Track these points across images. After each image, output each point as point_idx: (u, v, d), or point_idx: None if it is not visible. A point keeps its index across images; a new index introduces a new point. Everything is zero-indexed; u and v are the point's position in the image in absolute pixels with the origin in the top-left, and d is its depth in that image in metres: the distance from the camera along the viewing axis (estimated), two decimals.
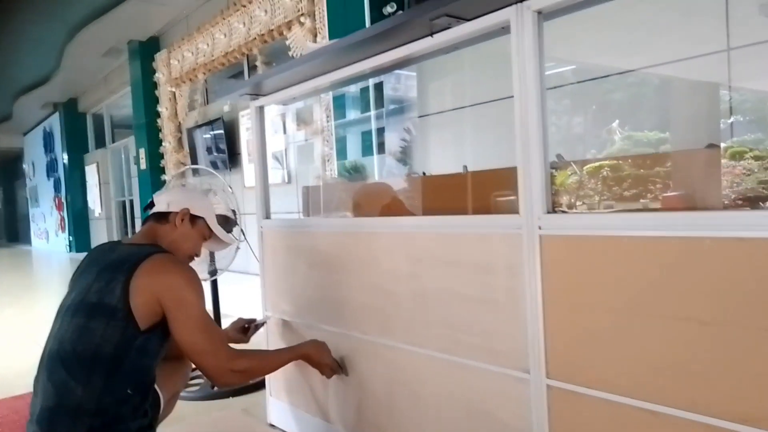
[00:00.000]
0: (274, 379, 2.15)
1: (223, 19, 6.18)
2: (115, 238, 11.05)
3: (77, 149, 12.22)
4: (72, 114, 12.18)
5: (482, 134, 4.12)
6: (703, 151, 1.29)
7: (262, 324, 2.04)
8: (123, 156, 10.61)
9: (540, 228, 1.20)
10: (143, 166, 8.23)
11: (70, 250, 12.43)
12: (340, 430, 1.82)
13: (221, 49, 6.30)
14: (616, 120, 3.35)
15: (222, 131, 6.51)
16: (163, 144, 7.88)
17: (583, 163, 1.43)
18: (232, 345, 2.01)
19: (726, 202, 1.39)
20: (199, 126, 6.97)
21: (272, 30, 5.41)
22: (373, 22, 4.31)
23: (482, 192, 1.44)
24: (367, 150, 5.35)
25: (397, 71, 4.11)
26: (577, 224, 1.16)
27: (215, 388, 2.48)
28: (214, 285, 2.77)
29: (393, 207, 1.71)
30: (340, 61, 1.64)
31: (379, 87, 4.81)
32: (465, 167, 1.41)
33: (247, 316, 2.05)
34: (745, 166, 1.57)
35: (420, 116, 4.63)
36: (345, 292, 1.74)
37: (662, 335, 1.02)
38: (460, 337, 1.39)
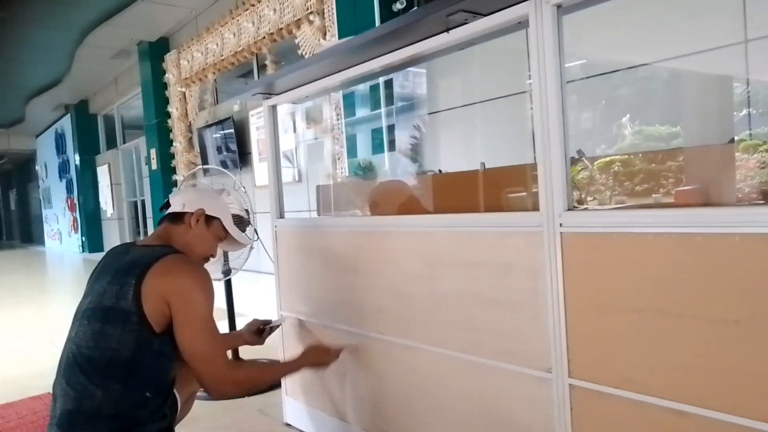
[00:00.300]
0: (290, 379, 2.15)
1: (232, 18, 6.18)
2: (128, 239, 11.14)
3: (89, 150, 12.32)
4: (83, 116, 12.28)
5: (493, 131, 4.09)
6: (727, 146, 1.26)
7: (278, 326, 2.03)
8: (134, 157, 10.68)
9: (561, 225, 1.18)
10: (154, 166, 8.27)
11: (83, 251, 12.54)
12: (357, 430, 1.81)
13: (230, 48, 6.31)
14: (627, 115, 3.31)
15: (232, 131, 6.53)
16: (174, 144, 7.91)
17: (602, 158, 1.41)
18: (246, 347, 2.02)
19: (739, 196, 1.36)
20: (209, 126, 7.00)
21: (281, 29, 5.41)
22: (382, 19, 4.29)
23: (501, 189, 1.42)
24: (377, 148, 5.34)
25: (405, 69, 4.09)
26: (599, 221, 1.14)
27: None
28: (228, 285, 2.77)
29: (409, 205, 1.70)
30: (355, 58, 1.63)
31: (389, 84, 4.80)
32: (482, 164, 1.40)
33: (260, 316, 2.04)
34: (759, 159, 1.54)
35: (430, 113, 4.60)
36: (361, 292, 1.73)
37: (691, 334, 1.00)
38: (480, 337, 1.37)
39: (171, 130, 7.96)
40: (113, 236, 11.74)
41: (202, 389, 1.61)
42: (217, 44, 6.57)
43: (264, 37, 5.70)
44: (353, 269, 1.76)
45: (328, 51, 1.64)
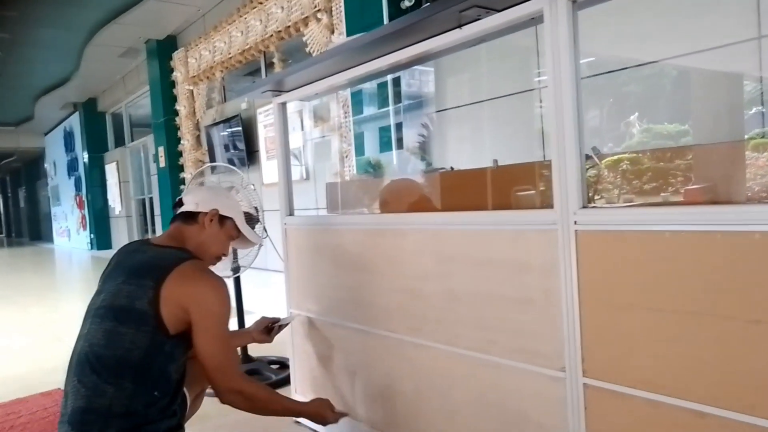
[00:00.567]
0: (299, 376, 2.15)
1: (240, 16, 6.19)
2: (136, 236, 11.19)
3: (97, 148, 12.38)
4: (91, 114, 12.34)
5: (501, 128, 4.07)
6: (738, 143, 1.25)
7: (286, 324, 2.03)
8: (142, 154, 10.72)
9: (576, 223, 1.17)
10: (162, 164, 8.30)
11: (92, 248, 12.61)
12: (367, 428, 1.80)
13: (238, 46, 6.31)
14: (635, 113, 3.28)
15: (240, 129, 6.53)
16: (182, 142, 7.94)
17: (612, 156, 1.39)
18: (255, 344, 2.02)
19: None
20: (217, 124, 7.01)
21: (289, 27, 5.41)
22: (391, 17, 4.28)
23: (514, 187, 1.41)
24: (384, 146, 5.33)
25: (414, 66, 4.08)
26: (614, 219, 1.12)
27: None
28: (237, 282, 2.77)
29: (421, 203, 1.69)
30: (366, 55, 1.62)
31: (396, 82, 4.78)
32: (495, 161, 1.38)
33: (267, 313, 2.04)
34: None
35: (438, 111, 4.59)
36: (372, 290, 1.73)
37: (710, 334, 0.99)
38: (492, 335, 1.36)
39: (179, 128, 7.98)
40: (121, 234, 11.80)
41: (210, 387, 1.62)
42: (224, 42, 6.58)
43: (271, 35, 5.69)
44: (364, 267, 1.75)
45: (338, 48, 1.63)
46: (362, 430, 1.79)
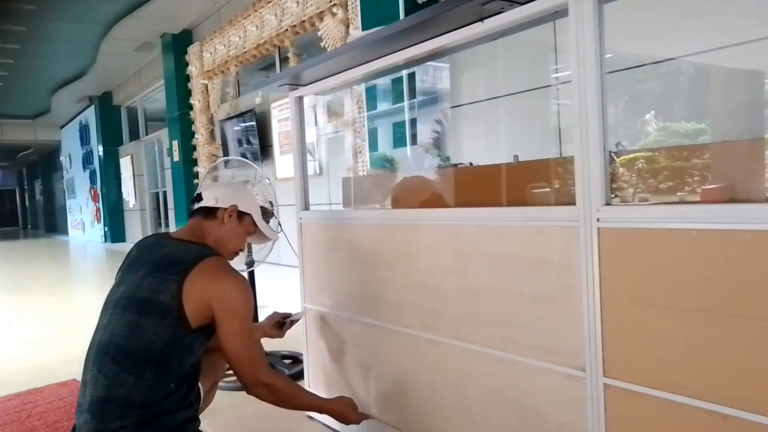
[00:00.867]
0: (312, 371, 2.15)
1: (255, 11, 6.19)
2: (149, 229, 11.28)
3: (112, 142, 12.50)
4: (107, 107, 12.45)
5: (516, 124, 4.04)
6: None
7: (298, 319, 2.03)
8: (156, 148, 10.80)
9: (598, 220, 1.15)
10: (176, 158, 8.35)
11: (106, 241, 12.74)
12: (380, 424, 1.80)
13: (253, 41, 6.32)
14: (651, 111, 3.24)
15: (254, 123, 6.55)
16: (196, 136, 7.97)
17: (631, 153, 1.36)
18: (267, 339, 2.03)
19: None
20: (231, 118, 7.03)
21: (304, 21, 5.40)
22: (406, 11, 4.26)
23: (535, 183, 1.39)
24: (398, 141, 5.31)
25: (429, 62, 4.05)
26: (638, 216, 1.10)
27: None
28: (251, 277, 2.77)
29: (439, 199, 1.67)
30: (385, 49, 1.60)
31: (411, 77, 4.76)
32: (516, 157, 1.36)
33: (280, 308, 2.04)
34: None
35: (453, 107, 4.56)
36: (387, 285, 1.72)
37: (736, 334, 0.97)
38: (510, 333, 1.35)
39: (193, 122, 8.02)
40: (135, 227, 11.91)
41: (223, 380, 1.62)
42: (239, 37, 6.59)
43: (287, 30, 5.69)
44: (379, 262, 1.74)
45: (357, 41, 1.62)
46: None
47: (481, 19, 1.33)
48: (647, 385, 1.10)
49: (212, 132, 7.76)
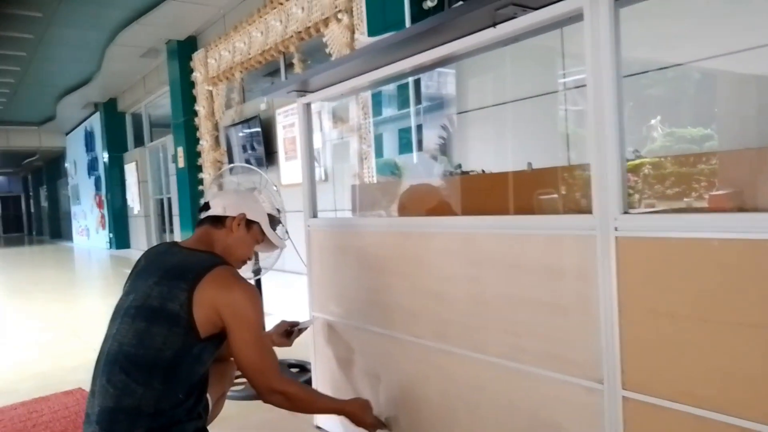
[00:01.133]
0: (320, 380, 2.12)
1: (260, 17, 6.20)
2: (154, 236, 11.28)
3: (117, 148, 12.54)
4: (112, 114, 12.50)
5: (524, 130, 4.02)
6: None
7: (306, 327, 2.01)
8: (161, 154, 10.82)
9: (616, 229, 1.12)
10: (181, 164, 8.36)
11: (110, 247, 12.76)
12: None
13: (258, 47, 6.33)
14: (658, 116, 3.21)
15: (259, 129, 6.55)
16: (201, 142, 7.98)
17: (666, 159, 1.34)
18: (275, 348, 2.01)
19: None
20: (236, 124, 7.03)
21: (309, 27, 5.40)
22: (412, 17, 4.25)
23: (549, 190, 1.37)
24: (404, 147, 5.29)
25: (443, 66, 4.04)
26: (658, 225, 1.08)
27: None
28: (258, 284, 2.75)
29: (450, 206, 1.65)
30: (394, 56, 1.59)
31: (417, 83, 4.75)
32: (529, 164, 1.34)
33: (286, 314, 2.02)
34: None
35: (459, 113, 4.54)
36: (397, 294, 1.69)
37: (761, 346, 0.94)
38: (524, 344, 1.32)
39: (198, 129, 8.03)
40: (140, 233, 11.92)
41: (231, 389, 1.60)
42: (244, 43, 6.60)
43: (292, 36, 5.70)
44: (389, 270, 1.72)
45: (367, 47, 1.60)
46: None
47: (494, 25, 1.31)
48: (668, 398, 1.07)
49: (217, 138, 7.77)
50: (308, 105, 2.06)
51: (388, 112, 5.33)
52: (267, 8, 6.06)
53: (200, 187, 8.04)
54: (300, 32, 5.54)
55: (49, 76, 10.35)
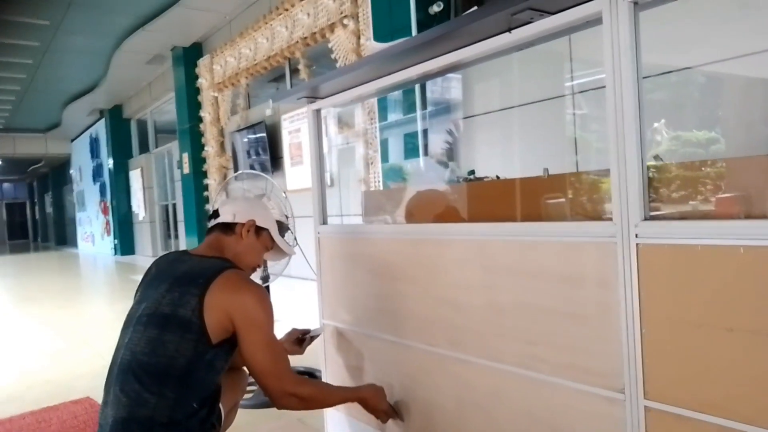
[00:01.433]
0: None
1: (266, 23, 6.21)
2: (159, 242, 11.29)
3: (122, 154, 12.58)
4: (117, 120, 12.54)
5: (531, 135, 4.00)
6: None
7: (318, 335, 1.99)
8: (166, 161, 10.84)
9: (637, 236, 1.10)
10: (186, 170, 8.37)
11: (116, 253, 12.77)
12: None
13: (263, 53, 6.34)
14: (662, 119, 3.19)
15: (264, 135, 6.55)
16: (206, 148, 7.99)
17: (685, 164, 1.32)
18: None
19: None
20: (241, 130, 7.04)
21: (315, 33, 5.41)
22: (419, 22, 4.24)
23: (566, 196, 1.35)
24: (410, 152, 5.28)
25: (455, 72, 4.02)
26: (681, 232, 1.05)
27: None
28: (267, 291, 2.74)
29: (464, 213, 1.63)
30: (407, 61, 1.57)
31: (422, 88, 4.74)
32: (546, 170, 1.33)
33: (293, 319, 2.00)
34: None
35: (465, 117, 4.53)
36: (410, 302, 1.67)
37: None
38: (542, 353, 1.30)
39: (203, 135, 8.05)
40: (145, 239, 11.94)
41: (243, 399, 1.59)
42: (250, 49, 6.62)
43: (297, 42, 5.70)
44: (401, 278, 1.70)
45: (379, 54, 1.59)
46: None
47: (509, 30, 1.30)
48: (693, 409, 1.05)
49: (222, 144, 7.78)
50: (318, 111, 2.05)
51: (394, 116, 5.32)
52: (273, 14, 6.07)
53: (205, 193, 8.05)
54: (306, 38, 5.55)
55: (55, 83, 10.40)
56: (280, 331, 2.00)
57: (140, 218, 12.07)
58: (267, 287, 2.71)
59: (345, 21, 4.94)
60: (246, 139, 6.93)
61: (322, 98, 1.99)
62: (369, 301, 1.86)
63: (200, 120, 8.04)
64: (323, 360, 2.12)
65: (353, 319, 1.95)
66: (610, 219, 1.15)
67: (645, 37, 1.12)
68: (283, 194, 2.45)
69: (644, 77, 1.12)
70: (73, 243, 17.97)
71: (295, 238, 2.46)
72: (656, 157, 1.19)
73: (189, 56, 8.15)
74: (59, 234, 21.51)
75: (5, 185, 27.55)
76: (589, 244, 1.19)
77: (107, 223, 13.41)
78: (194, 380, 1.34)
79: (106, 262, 11.72)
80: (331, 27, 5.14)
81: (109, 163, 12.82)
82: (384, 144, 5.12)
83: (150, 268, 1.54)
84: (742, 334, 0.97)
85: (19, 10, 6.64)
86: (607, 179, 1.17)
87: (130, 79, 10.11)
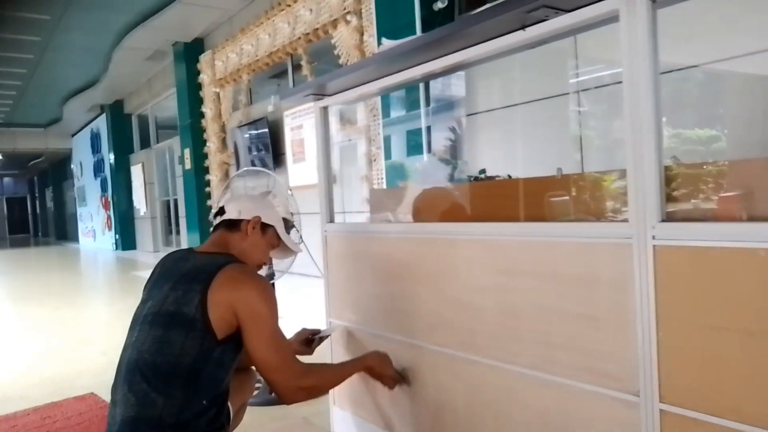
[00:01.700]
0: (338, 388, 2.08)
1: (268, 19, 6.18)
2: (160, 237, 11.28)
3: (123, 150, 12.55)
4: (118, 116, 12.51)
5: (535, 133, 3.98)
6: None
7: (327, 336, 1.98)
8: (167, 156, 10.82)
9: (654, 238, 1.09)
10: (188, 166, 8.35)
11: (117, 249, 12.77)
12: None
13: (265, 49, 6.31)
14: (663, 118, 3.17)
15: (266, 131, 6.53)
16: (207, 144, 7.97)
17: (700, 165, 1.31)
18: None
19: None
20: (243, 126, 7.02)
21: (317, 29, 5.38)
22: (423, 19, 4.22)
23: (581, 197, 1.34)
24: (412, 150, 5.26)
25: (465, 69, 3.99)
26: (698, 234, 1.04)
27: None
28: (271, 284, 2.73)
29: (475, 212, 1.62)
30: (416, 59, 1.56)
31: (426, 84, 4.71)
32: (559, 170, 1.31)
33: (298, 318, 1.99)
34: None
35: (468, 114, 4.51)
36: (419, 301, 1.66)
37: None
38: (556, 354, 1.29)
39: (204, 131, 8.02)
40: (146, 235, 11.93)
41: (251, 399, 1.58)
42: (251, 45, 6.59)
43: (299, 38, 5.68)
44: (411, 277, 1.69)
45: (388, 51, 1.57)
46: None
47: (523, 27, 1.28)
48: (709, 412, 1.03)
49: (224, 140, 7.76)
50: (326, 109, 2.03)
51: (396, 113, 5.30)
52: (274, 10, 6.04)
53: (207, 189, 8.03)
54: (308, 34, 5.52)
55: (56, 79, 10.36)
56: (286, 328, 1.99)
57: (141, 214, 12.05)
58: (272, 285, 2.70)
59: (348, 17, 4.91)
60: (247, 135, 6.91)
61: (330, 95, 1.98)
62: (377, 300, 1.84)
63: (202, 116, 8.01)
64: (330, 360, 2.11)
65: (361, 319, 1.94)
66: (626, 220, 1.13)
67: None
68: (289, 191, 2.43)
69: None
70: (74, 238, 17.96)
71: (301, 236, 2.45)
72: (674, 158, 1.17)
73: (190, 52, 8.12)
74: (59, 229, 21.50)
75: (6, 180, 27.53)
76: (604, 246, 1.18)
77: (108, 218, 13.40)
78: (203, 378, 1.32)
79: (107, 258, 11.70)
80: (334, 23, 5.11)
81: (110, 158, 12.79)
82: (387, 141, 5.10)
83: (156, 267, 1.53)
84: (762, 337, 0.96)
85: (19, 5, 6.61)
86: (622, 179, 1.16)
87: (130, 74, 10.08)
